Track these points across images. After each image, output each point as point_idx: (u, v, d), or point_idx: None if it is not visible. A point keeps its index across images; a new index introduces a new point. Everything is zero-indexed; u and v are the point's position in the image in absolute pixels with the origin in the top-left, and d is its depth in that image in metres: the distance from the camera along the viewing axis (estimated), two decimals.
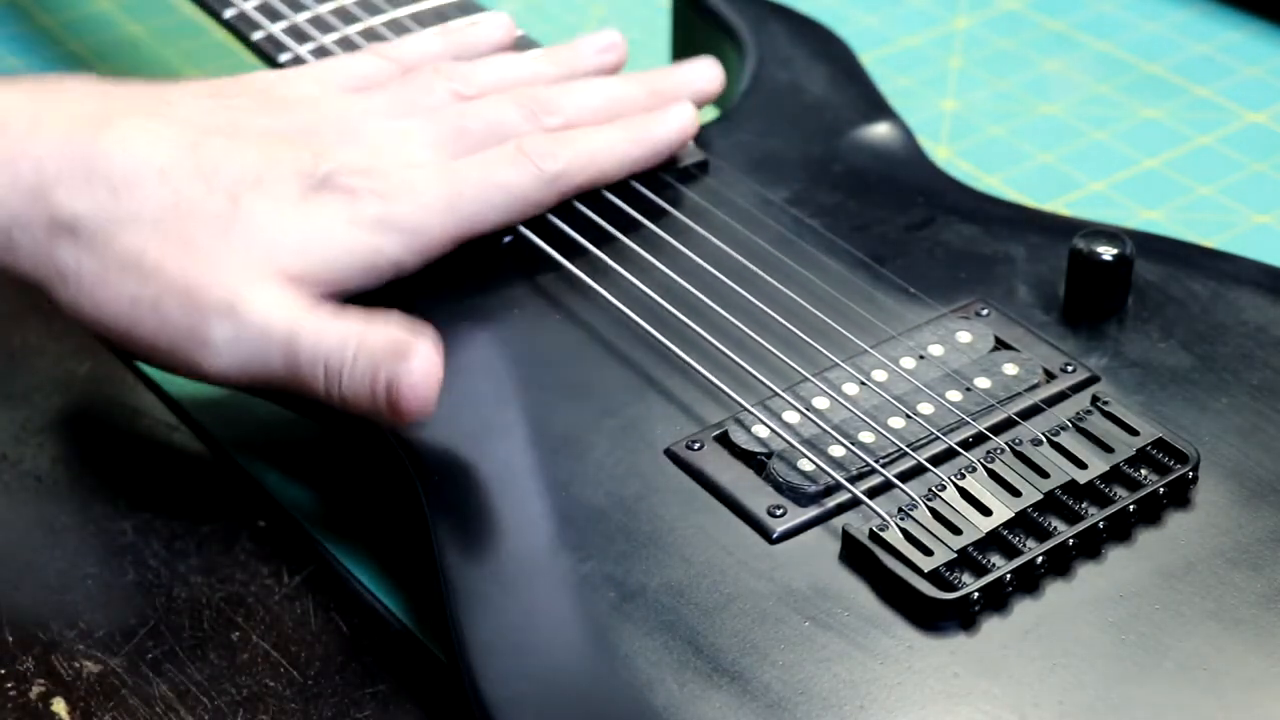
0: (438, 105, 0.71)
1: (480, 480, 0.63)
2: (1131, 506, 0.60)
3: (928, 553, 0.58)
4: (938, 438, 0.62)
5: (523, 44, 0.79)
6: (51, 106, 0.66)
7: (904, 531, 0.59)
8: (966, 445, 0.62)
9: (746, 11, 0.83)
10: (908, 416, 0.63)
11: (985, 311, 0.68)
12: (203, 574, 0.66)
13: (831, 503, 0.61)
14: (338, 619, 0.65)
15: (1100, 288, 0.68)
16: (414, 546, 0.64)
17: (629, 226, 0.71)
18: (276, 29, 0.79)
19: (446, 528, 0.61)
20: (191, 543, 0.68)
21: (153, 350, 0.65)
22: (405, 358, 0.62)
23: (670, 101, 0.74)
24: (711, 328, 0.67)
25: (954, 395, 0.64)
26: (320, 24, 0.79)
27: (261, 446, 0.72)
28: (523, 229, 0.70)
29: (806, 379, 0.65)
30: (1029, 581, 0.59)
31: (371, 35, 0.78)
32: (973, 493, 0.60)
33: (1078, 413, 0.63)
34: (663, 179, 0.73)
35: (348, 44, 0.78)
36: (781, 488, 0.61)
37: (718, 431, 0.63)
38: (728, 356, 0.65)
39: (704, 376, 0.65)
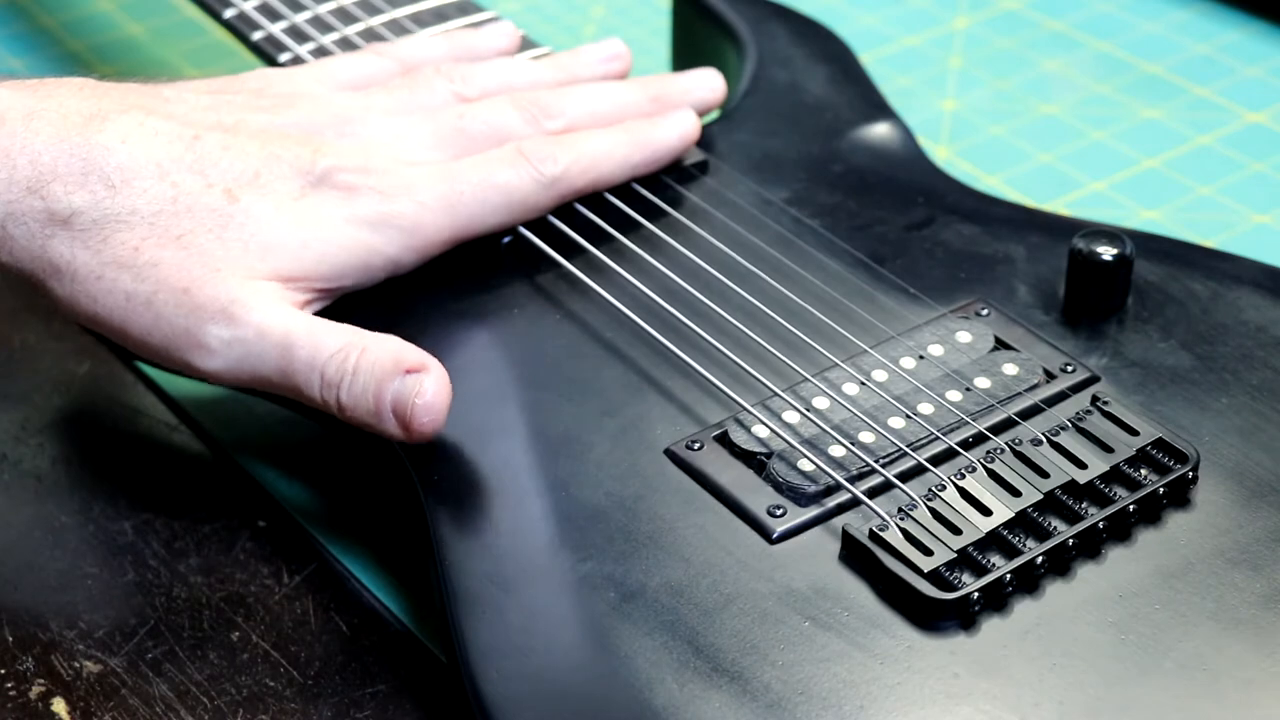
0: (438, 105, 0.71)
1: (480, 480, 0.63)
2: (1131, 506, 0.60)
3: (928, 553, 0.58)
4: (938, 438, 0.62)
5: (523, 45, 0.78)
6: (49, 103, 0.66)
7: (904, 531, 0.59)
8: (966, 445, 0.62)
9: (746, 11, 0.83)
10: (908, 416, 0.63)
11: (985, 311, 0.68)
12: (203, 574, 0.66)
13: (831, 503, 0.61)
14: (338, 619, 0.65)
15: (1100, 288, 0.68)
16: (414, 547, 0.64)
17: (629, 226, 0.71)
18: (276, 29, 0.79)
19: (446, 528, 0.61)
20: (191, 543, 0.68)
21: (147, 347, 0.65)
22: (415, 375, 0.62)
23: (671, 108, 0.74)
24: (711, 328, 0.67)
25: (954, 395, 0.64)
26: (320, 24, 0.79)
27: (261, 446, 0.72)
28: (522, 229, 0.70)
29: (806, 379, 0.65)
30: (1029, 581, 0.59)
31: (371, 35, 0.78)
32: (973, 493, 0.60)
33: (1078, 413, 0.63)
34: (663, 179, 0.73)
35: (347, 44, 0.78)
36: (781, 488, 0.61)
37: (718, 431, 0.63)
38: (728, 356, 0.66)
39: (704, 376, 0.65)
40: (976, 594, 0.57)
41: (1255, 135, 0.87)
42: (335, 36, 0.78)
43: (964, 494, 0.60)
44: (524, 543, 0.60)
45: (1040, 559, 0.58)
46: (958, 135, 0.87)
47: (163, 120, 0.67)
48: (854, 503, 0.61)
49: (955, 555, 0.58)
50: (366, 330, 0.64)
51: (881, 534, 0.59)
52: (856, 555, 0.59)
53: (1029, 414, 0.64)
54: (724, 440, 0.63)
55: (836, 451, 0.62)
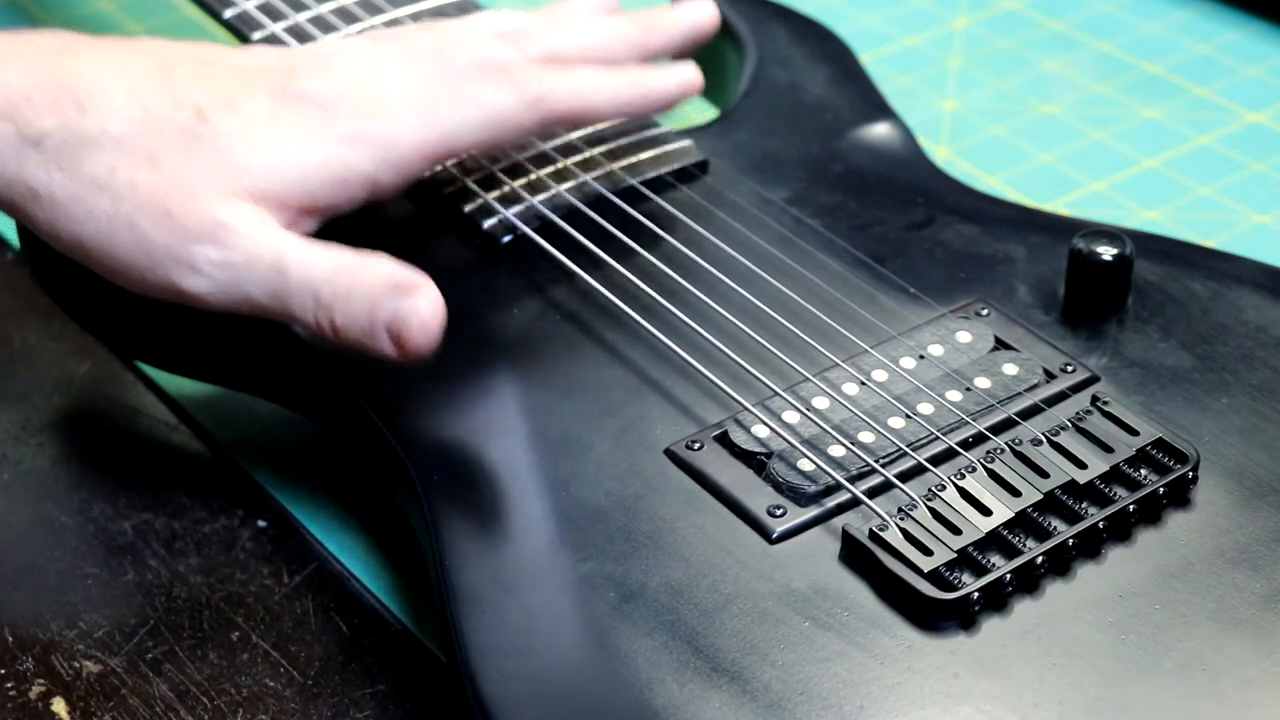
0: (419, 46, 0.70)
1: (480, 480, 0.63)
2: (1131, 506, 0.60)
3: (928, 553, 0.58)
4: (937, 438, 0.62)
5: None
6: (21, 42, 0.67)
7: (904, 531, 0.59)
8: (966, 445, 0.62)
9: (746, 11, 0.83)
10: (908, 416, 0.63)
11: (985, 311, 0.68)
12: (203, 574, 0.67)
13: (831, 503, 0.61)
14: (338, 619, 0.65)
15: (1100, 288, 0.68)
16: (414, 547, 0.64)
17: (629, 226, 0.71)
18: (278, 28, 0.79)
19: (446, 528, 0.61)
20: (191, 543, 0.68)
21: (133, 269, 0.64)
22: (409, 294, 0.62)
23: (664, 34, 0.72)
24: (711, 327, 0.67)
25: (954, 395, 0.64)
26: (321, 24, 0.79)
27: (261, 446, 0.72)
28: (523, 228, 0.70)
29: (806, 379, 0.65)
30: (1029, 581, 0.59)
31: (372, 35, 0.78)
32: (972, 493, 0.60)
33: (1078, 413, 0.63)
34: (663, 179, 0.73)
35: None
36: (781, 488, 0.61)
37: (718, 431, 0.63)
38: (728, 356, 0.65)
39: (704, 376, 0.65)
40: (976, 594, 0.57)
41: (1255, 135, 0.87)
42: (336, 36, 0.78)
43: (964, 494, 0.60)
44: (524, 543, 0.60)
45: (1040, 559, 0.58)
46: (958, 135, 0.87)
47: (138, 54, 0.67)
48: (854, 503, 0.61)
49: (955, 555, 0.58)
50: (356, 250, 0.64)
51: (881, 534, 0.59)
52: (856, 555, 0.59)
53: (1029, 414, 0.64)
54: (724, 440, 0.63)
55: (836, 451, 0.62)
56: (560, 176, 0.73)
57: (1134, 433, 0.62)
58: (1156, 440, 0.62)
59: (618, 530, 0.60)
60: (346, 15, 0.79)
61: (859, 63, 0.82)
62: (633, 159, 0.73)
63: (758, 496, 0.61)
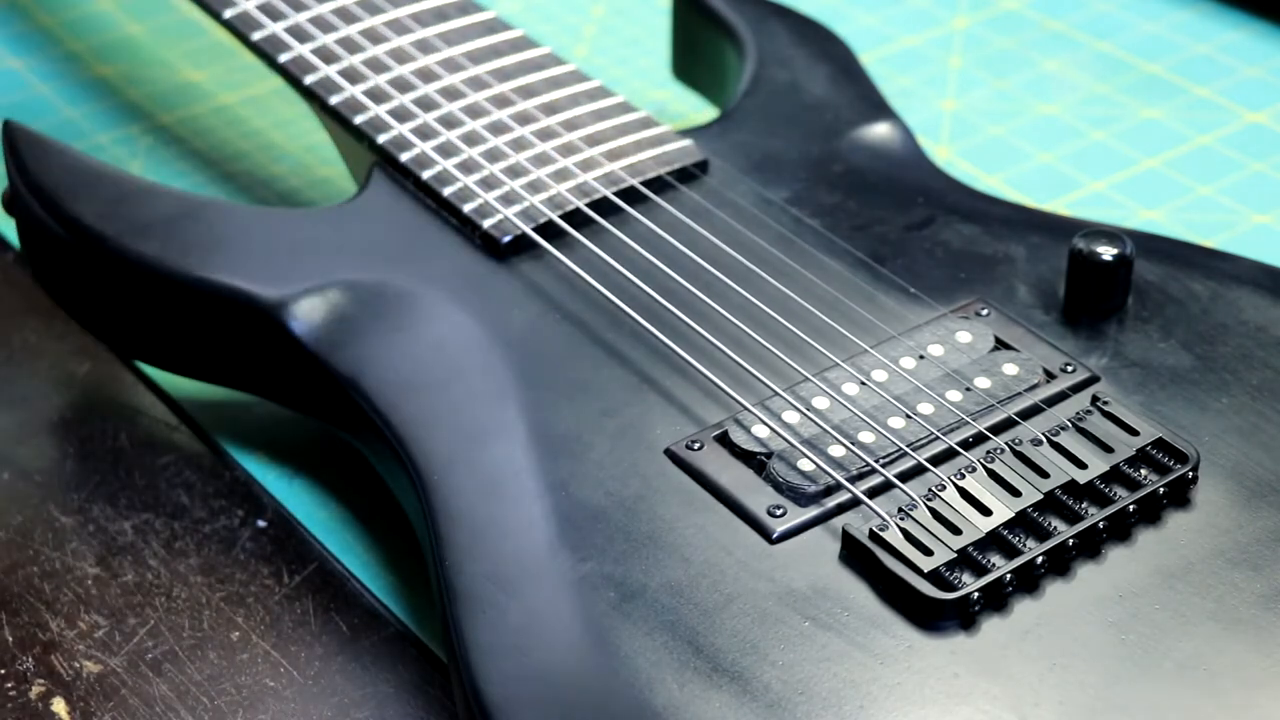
0: None
1: (480, 480, 0.63)
2: (1131, 506, 0.60)
3: (928, 553, 0.58)
4: (938, 438, 0.62)
5: (521, 43, 0.79)
6: None
7: (904, 531, 0.59)
8: (966, 445, 0.62)
9: (746, 11, 0.83)
10: (908, 416, 0.63)
11: (985, 311, 0.68)
12: (203, 574, 0.67)
13: (831, 503, 0.61)
14: (338, 619, 0.65)
15: (1100, 288, 0.68)
16: (414, 546, 0.64)
17: (629, 226, 0.71)
18: (278, 28, 0.79)
19: (446, 528, 0.61)
20: (191, 543, 0.68)
21: None
22: None
23: None
24: (712, 327, 0.67)
25: (954, 395, 0.64)
26: (321, 23, 0.79)
27: (261, 446, 0.72)
28: (523, 228, 0.70)
29: (806, 379, 0.65)
30: (1029, 581, 0.59)
31: (373, 35, 0.78)
32: (973, 493, 0.60)
33: (1078, 413, 0.63)
34: (663, 179, 0.73)
35: (349, 43, 0.78)
36: (781, 488, 0.61)
37: (718, 431, 0.63)
38: (728, 356, 0.66)
39: (704, 376, 0.65)
40: (976, 594, 0.57)
41: (1255, 135, 0.87)
42: (336, 36, 0.78)
43: (964, 494, 0.60)
44: (524, 543, 0.60)
45: (1040, 559, 0.58)
46: (958, 135, 0.87)
47: None
48: (854, 503, 0.61)
49: (955, 555, 0.58)
50: None
51: (881, 534, 0.59)
52: (857, 555, 0.59)
53: (1029, 414, 0.64)
54: (724, 440, 0.63)
55: (836, 451, 0.62)
56: (560, 176, 0.73)
57: (1134, 433, 0.62)
58: (1156, 440, 0.62)
59: (618, 530, 0.60)
60: (346, 15, 0.79)
61: (859, 63, 0.82)
62: (633, 159, 0.74)
63: (758, 496, 0.61)
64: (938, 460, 0.62)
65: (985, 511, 0.60)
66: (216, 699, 0.62)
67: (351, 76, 0.77)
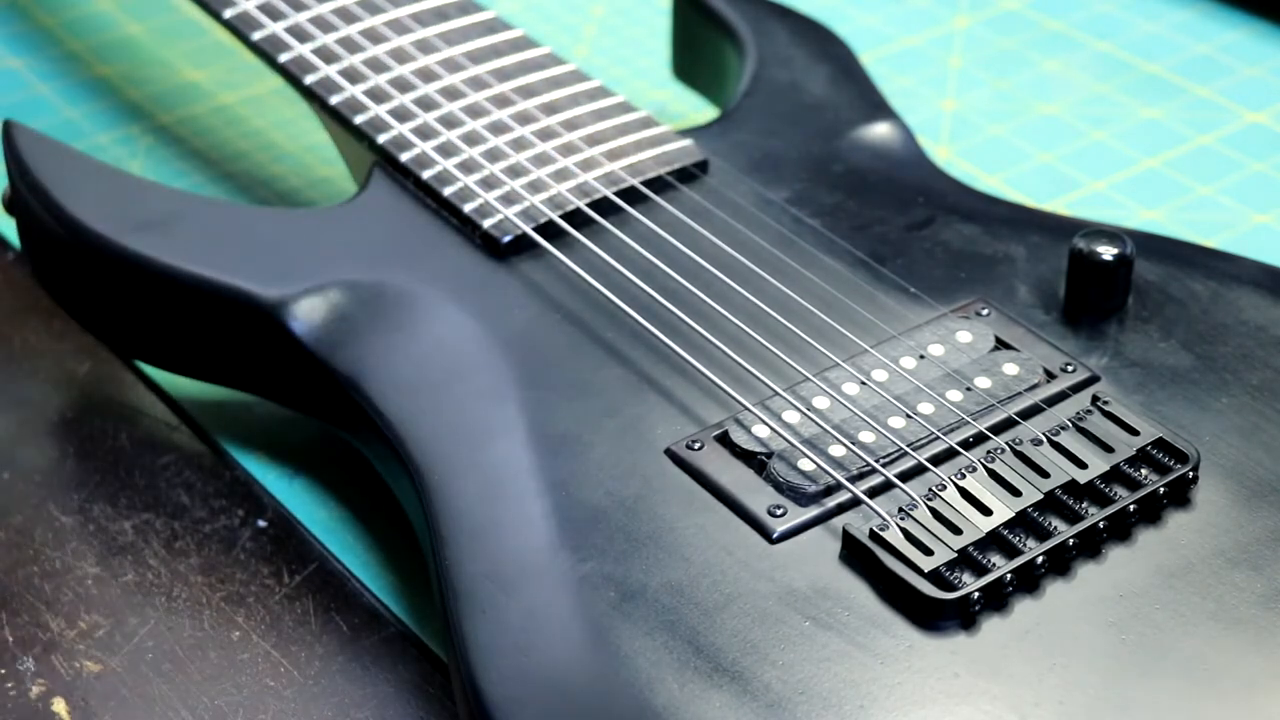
0: None
1: (480, 480, 0.63)
2: (1131, 506, 0.60)
3: (928, 552, 0.58)
4: (938, 437, 0.62)
5: (522, 43, 0.79)
6: None
7: (904, 531, 0.59)
8: (967, 445, 0.62)
9: (746, 11, 0.83)
10: (908, 416, 0.63)
11: (985, 311, 0.68)
12: (203, 574, 0.67)
13: (832, 502, 0.61)
14: (338, 619, 0.65)
15: (1100, 288, 0.68)
16: (414, 547, 0.64)
17: (629, 225, 0.71)
18: (278, 28, 0.79)
19: (446, 527, 0.61)
20: (191, 543, 0.68)
21: None
22: None
23: None
24: (712, 327, 0.67)
25: (954, 395, 0.64)
26: (321, 23, 0.79)
27: (261, 446, 0.72)
28: (523, 227, 0.70)
29: (807, 379, 0.65)
30: (1029, 581, 0.59)
31: (373, 35, 0.78)
32: (973, 492, 0.60)
33: (1078, 412, 0.63)
34: (663, 179, 0.73)
35: (349, 43, 0.78)
36: (782, 487, 0.61)
37: (718, 431, 0.63)
38: (728, 356, 0.65)
39: (704, 376, 0.65)
40: (977, 594, 0.57)
41: (1255, 135, 0.87)
42: (337, 36, 0.78)
43: (964, 494, 0.60)
44: (524, 542, 0.60)
45: (1040, 559, 0.58)
46: (958, 135, 0.87)
47: None
48: (854, 502, 0.61)
49: (955, 555, 0.58)
50: None
51: (882, 534, 0.59)
52: (857, 555, 0.59)
53: (1029, 414, 0.64)
54: (724, 440, 0.63)
55: (837, 451, 0.62)
56: (560, 176, 0.73)
57: (1134, 432, 0.62)
58: (1157, 440, 0.62)
59: (618, 530, 0.60)
60: (346, 15, 0.79)
61: (859, 63, 0.82)
62: (633, 159, 0.74)
63: (758, 496, 0.61)
64: (938, 460, 0.62)
65: (985, 511, 0.60)
66: (216, 699, 0.62)
67: (352, 76, 0.77)
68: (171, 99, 0.92)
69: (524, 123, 0.75)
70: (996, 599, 0.58)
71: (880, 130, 0.78)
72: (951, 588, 0.58)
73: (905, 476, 0.61)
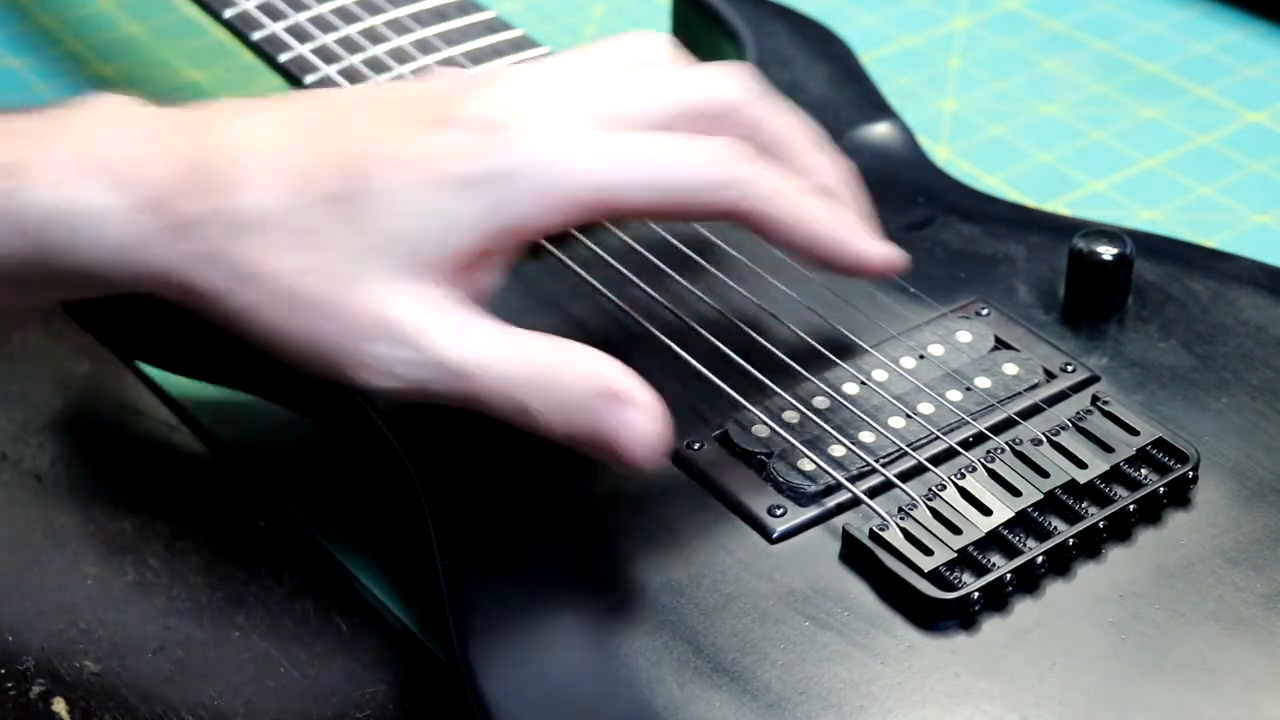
0: (611, 85, 0.62)
1: (480, 480, 0.63)
2: (1131, 506, 0.60)
3: (928, 552, 0.58)
4: (938, 437, 0.62)
5: (522, 43, 0.79)
6: (167, 120, 0.61)
7: (904, 531, 0.59)
8: (967, 445, 0.62)
9: (746, 11, 0.83)
10: (908, 416, 0.63)
11: (985, 311, 0.68)
12: (203, 574, 0.66)
13: (832, 502, 0.61)
14: (338, 619, 0.65)
15: (1100, 288, 0.68)
16: (414, 546, 0.64)
17: (629, 225, 0.71)
18: (278, 28, 0.79)
19: (446, 528, 0.61)
20: (191, 543, 0.68)
21: (308, 365, 0.59)
22: (621, 405, 0.57)
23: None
24: (712, 327, 0.67)
25: (954, 395, 0.64)
26: (321, 23, 0.79)
27: (261, 446, 0.72)
28: None
29: (807, 379, 0.65)
30: (1029, 581, 0.59)
31: (373, 35, 0.78)
32: (973, 492, 0.60)
33: (1078, 412, 0.63)
34: None
35: (350, 43, 0.78)
36: (782, 487, 0.61)
37: (718, 431, 0.63)
38: (728, 356, 0.65)
39: (704, 377, 0.65)
40: (977, 594, 0.57)
41: (1255, 135, 0.87)
42: (337, 35, 0.78)
43: (964, 494, 0.60)
44: (524, 542, 0.60)
45: (1040, 559, 0.58)
46: (958, 135, 0.87)
47: (296, 106, 0.61)
48: (854, 502, 0.61)
49: (955, 555, 0.58)
50: (556, 340, 0.58)
51: (882, 534, 0.59)
52: (857, 555, 0.59)
53: (1029, 414, 0.64)
54: (724, 440, 0.63)
55: (837, 451, 0.62)
56: None
57: (1134, 432, 0.62)
58: (1156, 440, 0.62)
59: (618, 530, 0.60)
60: (346, 15, 0.79)
61: (859, 63, 0.82)
62: None
63: (758, 496, 0.61)
64: (938, 460, 0.62)
65: (985, 511, 0.60)
66: (216, 699, 0.62)
67: (352, 76, 0.77)
68: (171, 99, 0.91)
69: None
70: (996, 599, 0.58)
71: (880, 130, 0.78)
72: (951, 587, 0.58)
73: (905, 476, 0.61)
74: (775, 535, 0.60)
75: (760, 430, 0.63)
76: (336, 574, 0.67)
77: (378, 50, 0.78)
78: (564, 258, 0.69)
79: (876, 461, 0.62)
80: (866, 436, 0.63)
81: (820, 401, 0.64)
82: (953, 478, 0.61)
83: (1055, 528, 0.59)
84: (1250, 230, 0.81)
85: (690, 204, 0.60)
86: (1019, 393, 0.64)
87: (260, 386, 0.71)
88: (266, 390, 0.71)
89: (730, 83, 0.63)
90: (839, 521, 0.60)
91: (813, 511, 0.61)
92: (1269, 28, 0.93)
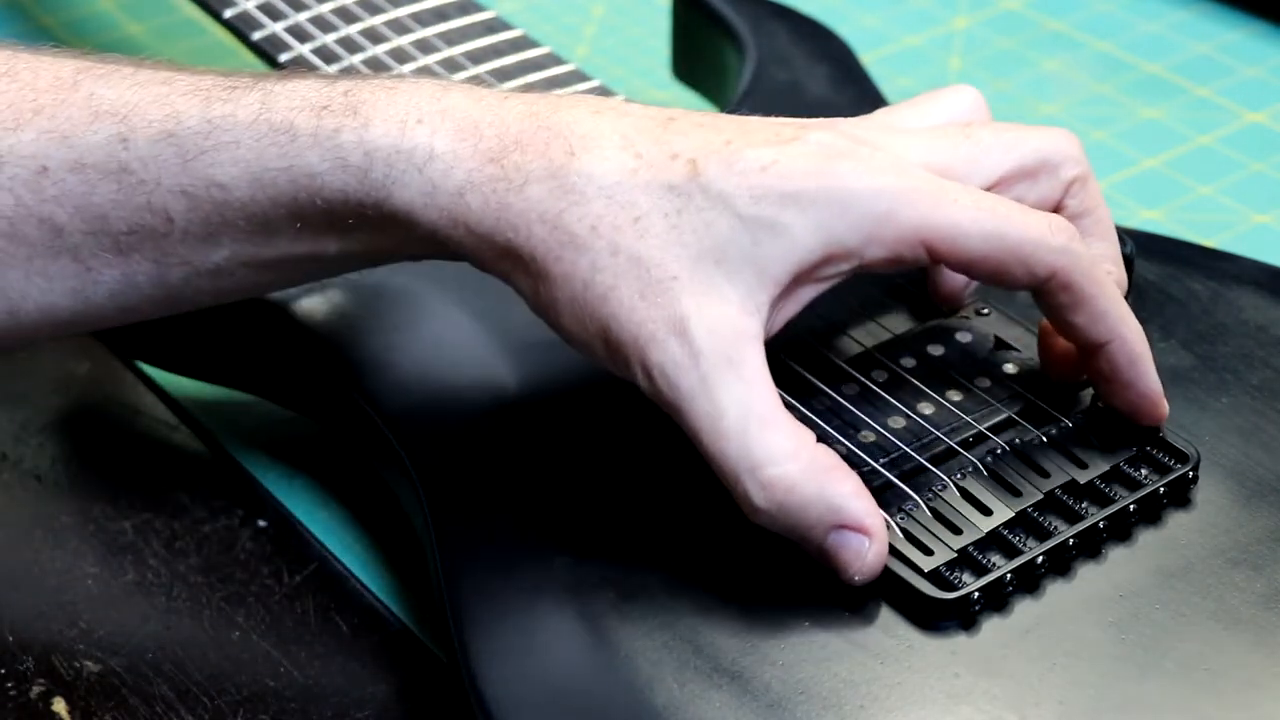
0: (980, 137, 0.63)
1: (481, 481, 0.63)
2: (1131, 506, 0.60)
3: (928, 552, 0.58)
4: (938, 438, 0.62)
5: (522, 44, 0.79)
6: (516, 96, 0.61)
7: (905, 531, 0.59)
8: (967, 445, 0.62)
9: (746, 11, 0.83)
10: (908, 416, 0.63)
11: (985, 311, 0.68)
12: (203, 574, 0.66)
13: None
14: (338, 619, 0.65)
15: None
16: (414, 546, 0.64)
17: None
18: (278, 28, 0.79)
19: (446, 528, 0.61)
20: (191, 543, 0.68)
21: (592, 351, 0.59)
22: (849, 535, 0.57)
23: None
24: None
25: (955, 395, 0.64)
26: (321, 23, 0.79)
27: (261, 446, 0.72)
28: None
29: (807, 379, 0.65)
30: (1029, 581, 0.59)
31: (373, 35, 0.78)
32: (973, 492, 0.60)
33: (1078, 412, 0.63)
34: None
35: (349, 43, 0.78)
36: None
37: None
38: None
39: None
40: (977, 594, 0.57)
41: (1255, 135, 0.87)
42: (337, 35, 0.78)
43: (964, 494, 0.60)
44: (524, 542, 0.60)
45: (1040, 559, 0.58)
46: None
47: (636, 107, 0.61)
48: None
49: (956, 555, 0.58)
50: (808, 449, 0.57)
51: None
52: None
53: (1029, 414, 0.63)
54: None
55: (837, 451, 0.62)
56: None
57: (1134, 432, 0.62)
58: (1157, 440, 0.62)
59: (618, 530, 0.60)
60: (346, 15, 0.79)
61: (859, 63, 0.82)
62: None
63: None
64: (938, 460, 0.62)
65: (986, 511, 0.60)
66: (216, 699, 0.62)
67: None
68: None
69: None
70: (997, 599, 0.58)
71: None
72: (952, 587, 0.58)
73: (906, 477, 0.61)
74: None
75: None
76: (336, 574, 0.67)
77: (378, 50, 0.78)
78: None
79: (877, 462, 0.62)
80: (867, 437, 0.63)
81: (820, 402, 0.64)
82: (953, 478, 0.61)
83: (1055, 528, 0.59)
84: (1250, 230, 0.81)
85: (1019, 260, 0.59)
86: (1019, 393, 0.64)
87: (260, 386, 0.71)
88: (266, 390, 0.71)
89: (1066, 143, 0.63)
90: None
91: None
92: (1269, 28, 0.93)
